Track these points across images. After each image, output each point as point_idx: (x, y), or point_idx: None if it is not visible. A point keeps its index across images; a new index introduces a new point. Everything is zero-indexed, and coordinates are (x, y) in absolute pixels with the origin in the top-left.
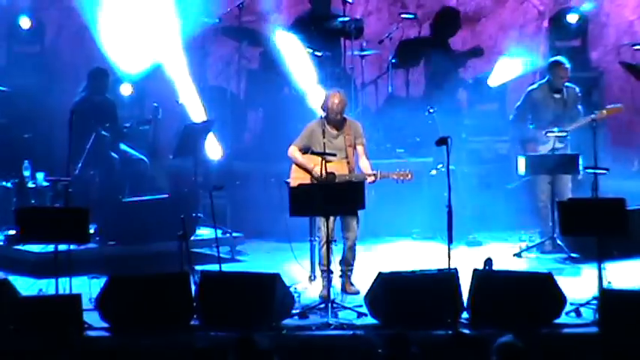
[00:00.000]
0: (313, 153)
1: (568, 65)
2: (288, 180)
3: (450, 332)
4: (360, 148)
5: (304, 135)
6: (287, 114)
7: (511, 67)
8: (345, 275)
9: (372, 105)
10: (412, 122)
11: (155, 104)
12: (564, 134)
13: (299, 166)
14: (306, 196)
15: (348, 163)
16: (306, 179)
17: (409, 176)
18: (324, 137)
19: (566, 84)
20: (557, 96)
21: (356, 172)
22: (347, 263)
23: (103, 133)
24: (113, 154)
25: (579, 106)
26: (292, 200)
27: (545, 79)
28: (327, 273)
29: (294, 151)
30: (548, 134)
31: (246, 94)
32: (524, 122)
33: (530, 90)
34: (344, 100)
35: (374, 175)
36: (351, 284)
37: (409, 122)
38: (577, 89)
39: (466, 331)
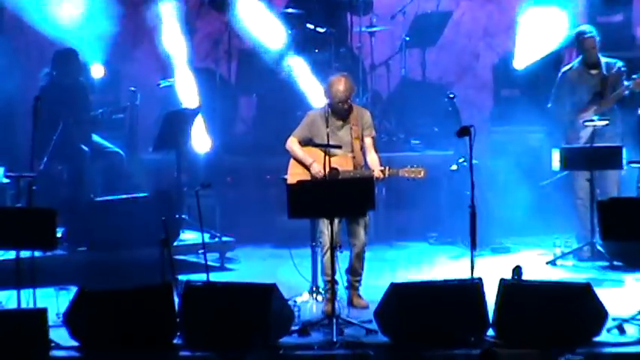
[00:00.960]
0: (315, 145)
1: (592, 32)
2: (285, 176)
3: (473, 352)
4: (368, 141)
5: (304, 125)
6: (285, 100)
7: (539, 45)
8: (352, 287)
9: (383, 90)
10: (429, 109)
11: (132, 88)
12: (604, 123)
13: (298, 160)
14: (308, 195)
15: (354, 157)
16: (305, 175)
17: (421, 174)
18: (327, 127)
19: (608, 59)
20: (593, 72)
21: (362, 169)
22: (354, 273)
23: (73, 121)
24: (84, 146)
25: (625, 82)
26: (291, 199)
27: (579, 58)
28: (332, 284)
29: (292, 143)
30: (586, 124)
31: (238, 78)
32: (563, 108)
33: (564, 71)
34: (350, 86)
35: (381, 171)
36: (359, 297)
37: (426, 109)
38: (620, 63)
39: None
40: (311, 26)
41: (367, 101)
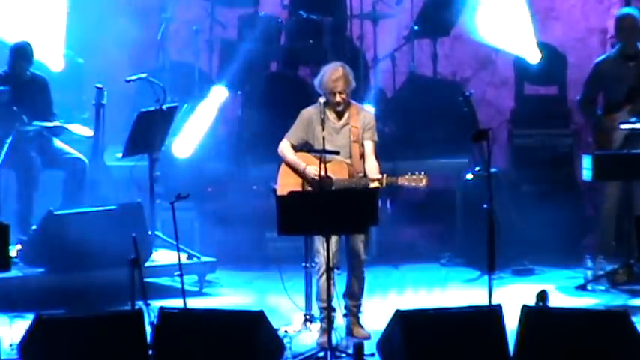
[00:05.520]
0: (310, 151)
1: (635, 15)
2: (274, 186)
3: None
4: (368, 145)
5: (299, 125)
6: (275, 99)
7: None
8: (352, 313)
9: (388, 87)
10: (441, 110)
11: (99, 85)
12: None
13: (290, 167)
14: (301, 209)
15: (350, 164)
16: (299, 186)
17: (423, 182)
18: (323, 129)
19: None
20: (631, 64)
21: (359, 177)
22: (353, 297)
23: (28, 122)
24: (33, 152)
25: None
26: (281, 213)
27: (616, 46)
28: (328, 311)
29: (285, 148)
30: (622, 127)
31: (221, 73)
32: (593, 105)
33: (597, 62)
34: (346, 76)
35: (378, 180)
36: (360, 325)
37: (437, 110)
38: None
39: None
40: (302, 13)
41: (369, 100)
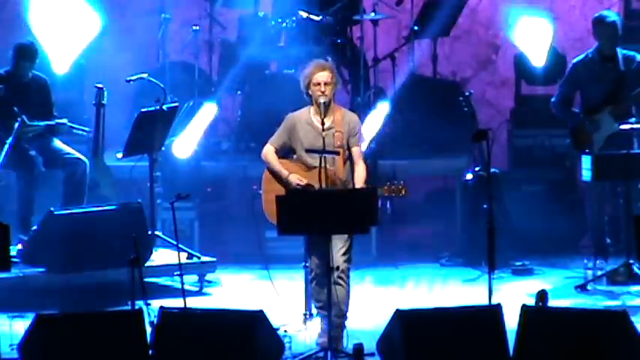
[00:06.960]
0: (309, 151)
1: (614, 19)
2: (260, 191)
3: None
4: (355, 151)
5: (283, 130)
6: (275, 99)
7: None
8: (336, 325)
9: (388, 87)
10: (441, 109)
11: (99, 85)
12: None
13: (273, 174)
14: (300, 208)
15: (333, 171)
16: (282, 192)
17: (402, 192)
18: (323, 129)
19: (624, 52)
20: (610, 65)
21: (344, 185)
22: (335, 310)
23: (28, 121)
24: (34, 152)
25: None
26: (281, 213)
27: (594, 47)
28: (328, 312)
29: (268, 153)
30: (622, 126)
31: (221, 73)
32: (569, 106)
33: (576, 62)
34: (333, 72)
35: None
36: (341, 342)
37: (437, 109)
38: (638, 57)
39: None
40: (304, 13)
41: (369, 99)
